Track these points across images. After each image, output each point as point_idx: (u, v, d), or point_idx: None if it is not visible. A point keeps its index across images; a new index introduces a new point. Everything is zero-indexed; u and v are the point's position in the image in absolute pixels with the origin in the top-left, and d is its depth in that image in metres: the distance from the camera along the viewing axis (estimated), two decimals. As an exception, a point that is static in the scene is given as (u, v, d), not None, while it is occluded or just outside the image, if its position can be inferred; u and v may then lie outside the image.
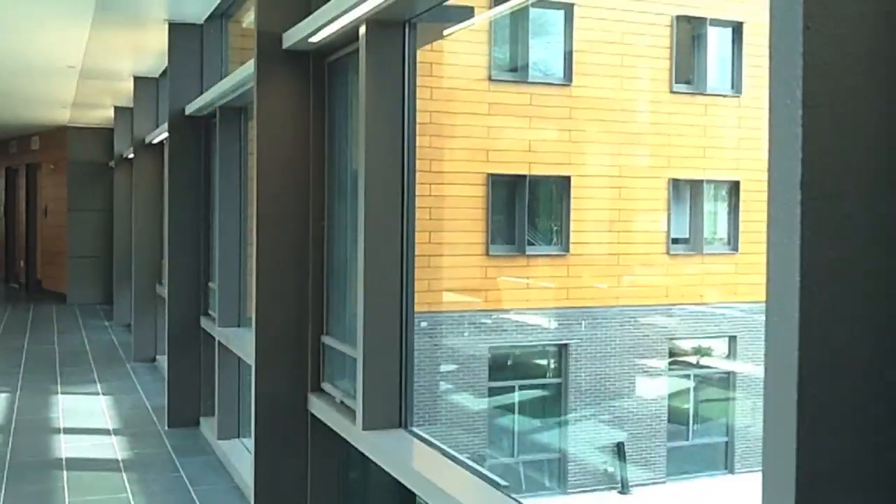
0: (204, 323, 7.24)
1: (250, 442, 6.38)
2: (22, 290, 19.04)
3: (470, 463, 3.00)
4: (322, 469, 4.16)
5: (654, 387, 13.73)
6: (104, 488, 5.88)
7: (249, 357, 4.59)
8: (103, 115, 14.47)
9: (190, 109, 7.30)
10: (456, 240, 12.38)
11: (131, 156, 12.27)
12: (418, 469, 3.07)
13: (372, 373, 3.44)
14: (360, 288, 3.48)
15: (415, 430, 3.40)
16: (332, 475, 4.22)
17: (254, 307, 4.27)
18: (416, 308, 3.55)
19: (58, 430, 7.34)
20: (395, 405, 3.46)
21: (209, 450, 6.69)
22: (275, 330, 4.21)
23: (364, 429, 3.45)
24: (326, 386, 4.19)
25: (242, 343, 6.14)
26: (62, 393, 8.75)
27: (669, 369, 13.93)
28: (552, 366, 13.60)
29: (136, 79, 10.63)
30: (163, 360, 9.80)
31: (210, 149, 7.43)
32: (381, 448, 3.36)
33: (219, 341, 6.61)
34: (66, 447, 6.82)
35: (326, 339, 4.23)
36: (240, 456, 6.19)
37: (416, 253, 3.54)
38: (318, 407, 4.13)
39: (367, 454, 3.47)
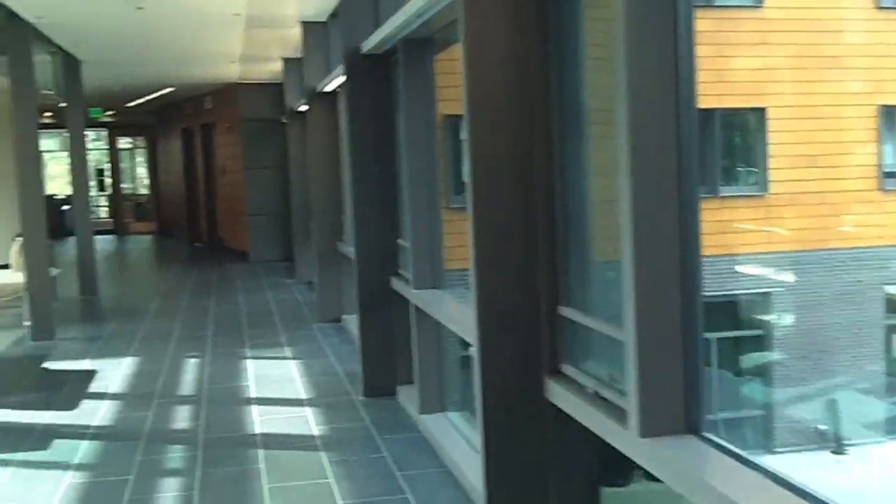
0: (395, 284, 6.62)
1: (457, 417, 5.73)
2: (205, 250, 19.29)
3: (808, 489, 2.15)
4: (570, 472, 3.40)
5: (870, 338, 12.35)
6: (303, 472, 5.37)
7: (468, 333, 3.88)
8: (272, 68, 14.15)
9: (367, 47, 6.61)
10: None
11: (303, 108, 11.84)
12: (729, 495, 2.24)
13: (649, 362, 2.61)
14: (628, 248, 2.64)
15: (710, 436, 2.57)
16: (584, 479, 3.45)
17: (472, 274, 3.52)
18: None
19: (249, 401, 6.94)
20: (679, 404, 2.63)
21: (411, 425, 6.08)
22: (500, 301, 3.46)
23: (642, 435, 2.64)
24: (568, 369, 3.42)
25: (441, 307, 5.46)
26: (251, 358, 8.42)
27: (886, 318, 12.47)
28: (753, 316, 12.43)
29: (305, 24, 10.08)
30: (348, 321, 9.34)
31: (392, 90, 6.73)
32: (669, 463, 2.55)
33: (415, 305, 5.96)
34: (259, 420, 6.39)
35: (565, 311, 3.44)
36: (447, 434, 5.54)
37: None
38: (560, 396, 3.36)
39: (647, 468, 2.66)
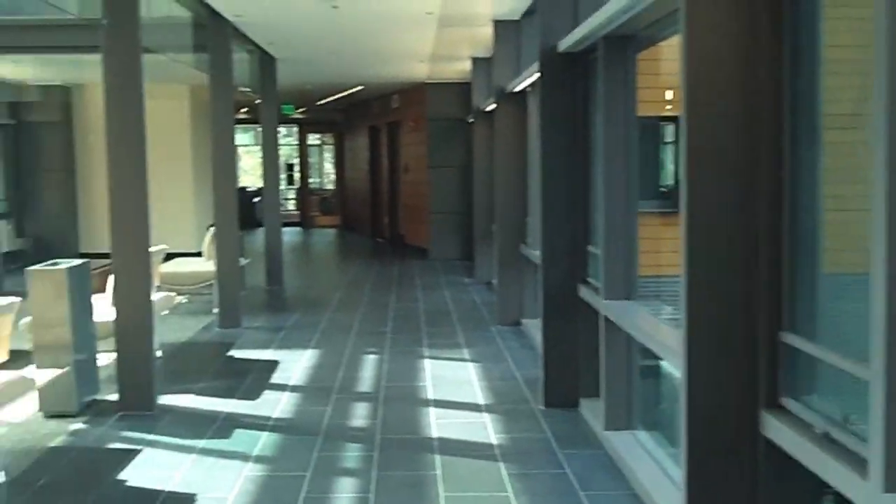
0: (583, 292, 6.32)
1: (647, 437, 5.38)
2: (387, 246, 19.57)
3: None
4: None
5: None
6: (481, 482, 5.17)
7: (670, 354, 3.55)
8: (460, 68, 14.10)
9: (564, 45, 6.34)
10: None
11: (490, 108, 11.70)
12: None
13: (903, 408, 2.22)
14: (880, 266, 2.25)
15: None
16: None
17: (683, 290, 3.19)
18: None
19: (426, 402, 6.82)
20: (940, 459, 2.23)
21: (595, 441, 5.77)
22: (713, 322, 3.13)
23: (886, 490, 2.25)
24: (790, 403, 3.04)
25: (635, 321, 5.12)
26: (428, 357, 8.32)
27: None
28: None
29: (497, 22, 9.91)
30: (528, 325, 9.11)
31: (588, 89, 6.43)
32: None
33: (604, 316, 5.64)
34: (436, 424, 6.24)
35: (787, 338, 3.07)
36: (635, 454, 5.20)
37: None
38: (779, 432, 2.99)
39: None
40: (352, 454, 5.70)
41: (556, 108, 6.51)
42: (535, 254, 8.25)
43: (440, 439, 5.92)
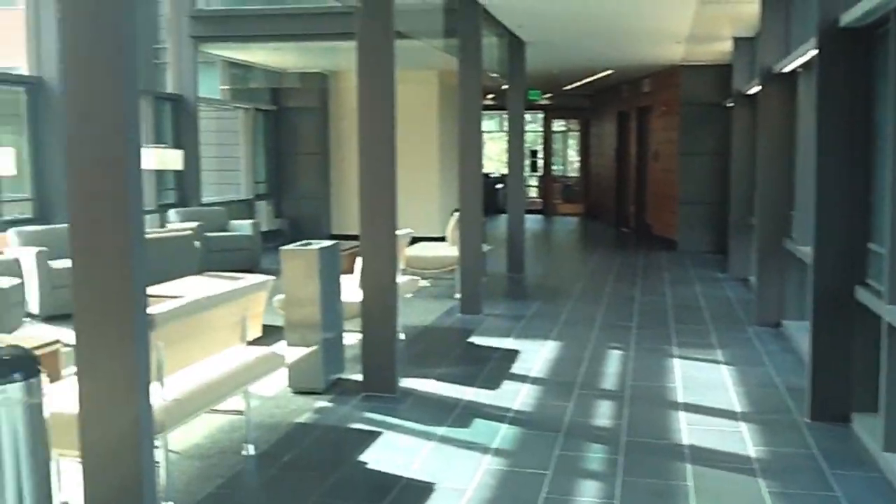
0: (861, 295, 5.63)
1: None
2: (631, 236, 18.99)
3: None
4: None
5: None
6: (738, 499, 4.71)
7: None
8: (719, 49, 13.33)
9: (847, 19, 5.66)
10: None
11: (753, 91, 10.93)
12: None
13: None
14: None
15: None
16: None
17: None
18: None
19: (676, 405, 6.37)
20: None
21: (870, 462, 5.13)
22: None
23: None
24: None
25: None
26: (678, 356, 7.83)
27: None
28: None
29: (765, -3, 9.19)
30: (790, 327, 8.40)
31: (873, 69, 5.72)
32: None
33: (888, 323, 4.98)
34: (687, 429, 5.80)
35: None
36: (922, 484, 4.55)
37: None
38: None
39: None
40: (594, 455, 5.39)
41: (835, 90, 5.84)
42: (803, 250, 7.55)
43: (691, 447, 5.48)
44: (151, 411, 3.77)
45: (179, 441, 5.43)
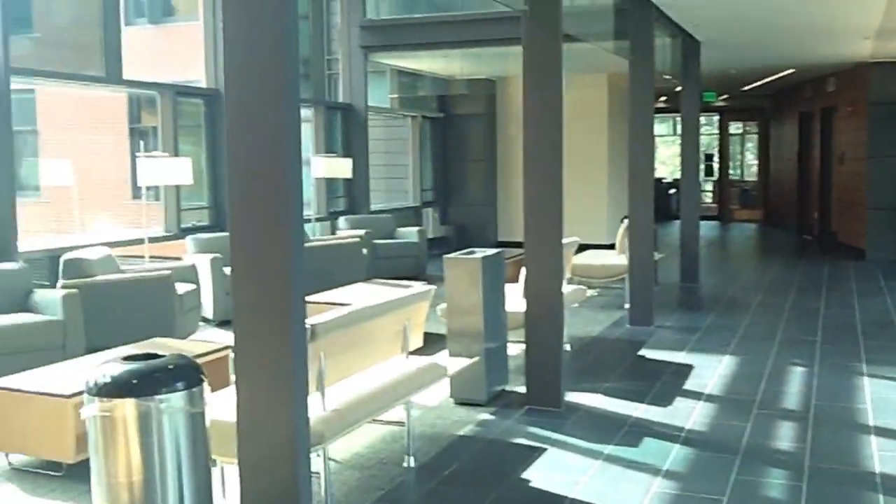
0: None
1: None
2: (814, 244, 17.94)
3: None
4: None
5: None
6: (942, 540, 4.22)
7: None
8: (913, 43, 12.37)
9: None
10: None
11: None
12: None
13: None
14: None
15: None
16: None
17: None
18: None
19: (866, 429, 5.86)
20: None
21: None
22: None
23: None
24: None
25: None
26: (868, 375, 7.23)
27: None
28: None
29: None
30: None
31: None
32: None
33: None
34: (879, 456, 5.31)
35: None
36: None
37: None
38: None
39: None
40: (775, 481, 5.00)
41: None
42: None
43: (883, 475, 5.00)
44: (308, 421, 3.71)
45: (340, 451, 5.41)
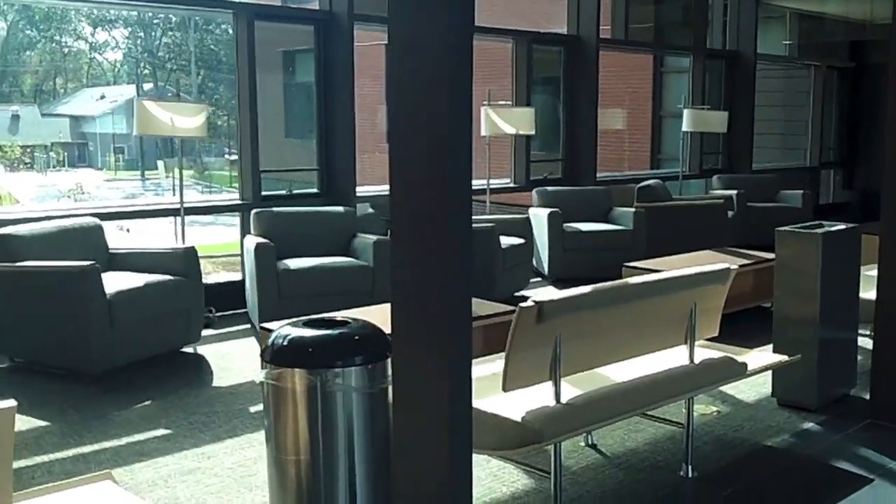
0: None
1: None
2: None
3: None
4: None
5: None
6: None
7: None
8: None
9: None
10: None
11: None
12: None
13: None
14: None
15: None
16: None
17: None
18: None
19: None
20: None
21: None
22: None
23: None
24: None
25: None
26: None
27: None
28: None
29: None
30: None
31: None
32: None
33: None
34: None
35: None
36: None
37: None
38: None
39: None
40: None
41: None
42: None
43: None
44: (466, 415, 2.98)
45: (614, 444, 4.70)
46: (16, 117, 30.68)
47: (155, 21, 29.95)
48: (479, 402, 3.60)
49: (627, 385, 3.97)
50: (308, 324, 3.27)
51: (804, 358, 5.02)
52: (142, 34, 34.40)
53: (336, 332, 3.20)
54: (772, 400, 5.44)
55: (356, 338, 3.18)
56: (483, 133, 8.95)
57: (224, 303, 7.40)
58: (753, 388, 5.56)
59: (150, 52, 33.58)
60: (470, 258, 2.86)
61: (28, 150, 28.74)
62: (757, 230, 10.80)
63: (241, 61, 7.81)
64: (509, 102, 9.63)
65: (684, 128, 11.24)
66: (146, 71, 34.10)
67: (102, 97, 31.11)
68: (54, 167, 29.39)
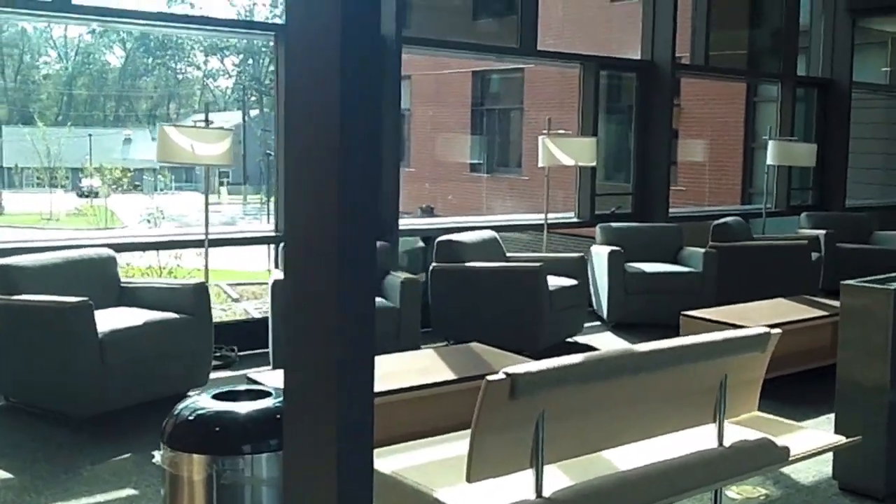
0: None
1: None
2: None
3: None
4: None
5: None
6: None
7: None
8: None
9: None
10: None
11: None
12: None
13: None
14: None
15: None
16: None
17: None
18: None
19: None
20: None
21: None
22: None
23: None
24: None
25: None
26: None
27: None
28: None
29: None
30: None
31: None
32: None
33: None
34: None
35: None
36: None
37: None
38: None
39: None
40: None
41: None
42: None
43: None
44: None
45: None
46: (128, 140, 31.53)
47: (263, 48, 30.30)
48: (440, 493, 3.03)
49: (632, 474, 3.31)
50: (227, 394, 2.75)
51: (867, 437, 4.26)
52: (251, 61, 35.02)
53: (254, 406, 2.66)
54: (833, 483, 4.67)
55: (277, 416, 2.63)
56: (540, 164, 8.37)
57: (249, 342, 6.98)
58: (813, 467, 4.79)
59: (257, 79, 34.10)
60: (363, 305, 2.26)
61: (136, 172, 29.39)
62: (846, 275, 9.85)
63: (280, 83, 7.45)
64: (570, 132, 9.00)
65: (769, 161, 10.40)
66: (253, 97, 34.67)
67: (210, 123, 31.78)
68: (161, 190, 29.96)
